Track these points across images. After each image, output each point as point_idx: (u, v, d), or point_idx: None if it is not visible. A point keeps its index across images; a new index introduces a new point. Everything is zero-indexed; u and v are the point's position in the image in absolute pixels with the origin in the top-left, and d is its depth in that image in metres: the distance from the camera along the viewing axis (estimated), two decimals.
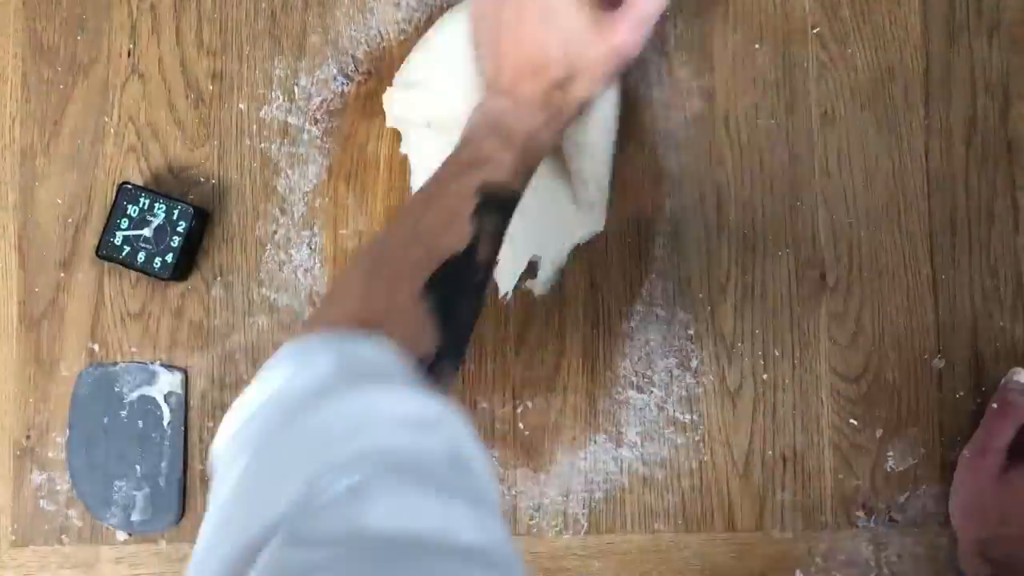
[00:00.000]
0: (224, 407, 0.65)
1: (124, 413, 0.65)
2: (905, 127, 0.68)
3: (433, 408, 0.42)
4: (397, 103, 0.65)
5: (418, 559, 0.35)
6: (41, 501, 0.65)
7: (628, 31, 0.57)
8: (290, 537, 0.36)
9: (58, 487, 0.65)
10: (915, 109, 0.68)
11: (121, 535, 0.65)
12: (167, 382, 0.65)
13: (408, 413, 0.41)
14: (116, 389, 0.65)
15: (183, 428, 0.65)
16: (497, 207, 0.55)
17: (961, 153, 0.68)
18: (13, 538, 0.65)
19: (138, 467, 0.65)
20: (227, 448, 0.43)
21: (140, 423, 0.65)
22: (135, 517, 0.65)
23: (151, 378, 0.66)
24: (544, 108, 0.58)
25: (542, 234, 0.65)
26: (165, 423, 0.65)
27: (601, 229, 0.66)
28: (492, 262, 0.55)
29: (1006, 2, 0.69)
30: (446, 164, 0.57)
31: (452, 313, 0.52)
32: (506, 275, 0.66)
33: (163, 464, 0.65)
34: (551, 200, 0.65)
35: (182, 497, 0.65)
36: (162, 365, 0.66)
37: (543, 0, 0.56)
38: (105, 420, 0.65)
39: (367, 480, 0.38)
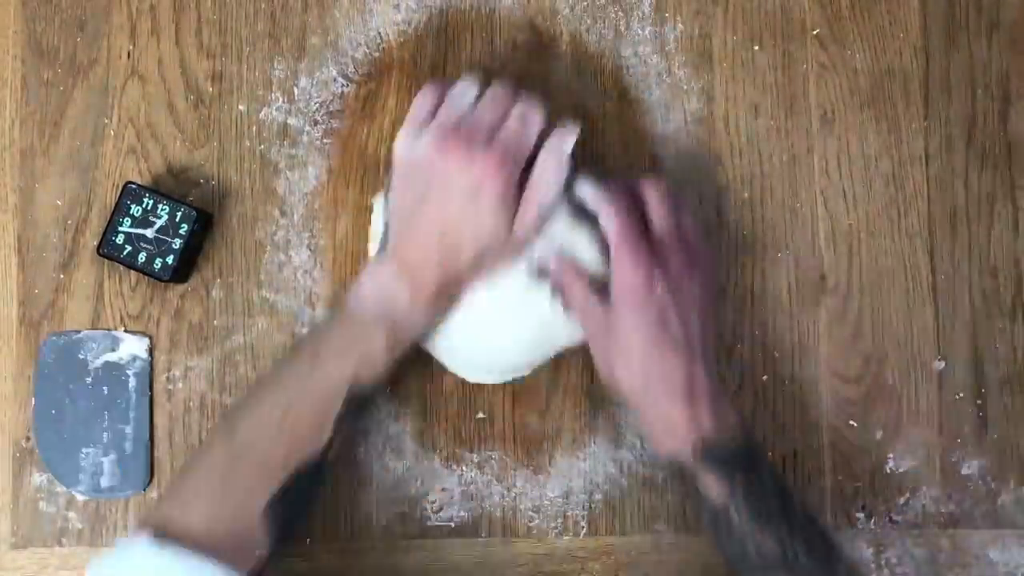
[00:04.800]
0: (223, 408, 0.66)
1: (89, 380, 0.65)
2: (905, 127, 0.68)
3: None
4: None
5: None
6: (41, 503, 0.65)
7: (529, 222, 0.58)
8: None
9: (58, 489, 0.65)
10: (915, 109, 0.68)
11: (81, 498, 0.65)
12: (132, 348, 0.66)
13: None
14: (80, 357, 0.66)
15: (149, 393, 0.65)
16: (358, 409, 0.58)
17: (961, 153, 0.68)
18: (13, 540, 0.65)
19: (105, 434, 0.65)
20: None
21: (105, 389, 0.65)
22: (104, 483, 0.65)
23: (115, 344, 0.66)
24: (437, 300, 0.59)
25: (527, 343, 0.62)
26: (131, 388, 0.65)
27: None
28: (339, 454, 0.58)
29: (1006, 2, 0.69)
30: (329, 332, 0.59)
31: (292, 521, 0.57)
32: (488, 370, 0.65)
33: (129, 429, 0.65)
34: (537, 310, 0.61)
35: (150, 461, 0.65)
36: (127, 331, 0.66)
37: (468, 190, 0.56)
38: (70, 388, 0.65)
39: None
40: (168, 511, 0.55)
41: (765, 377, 0.66)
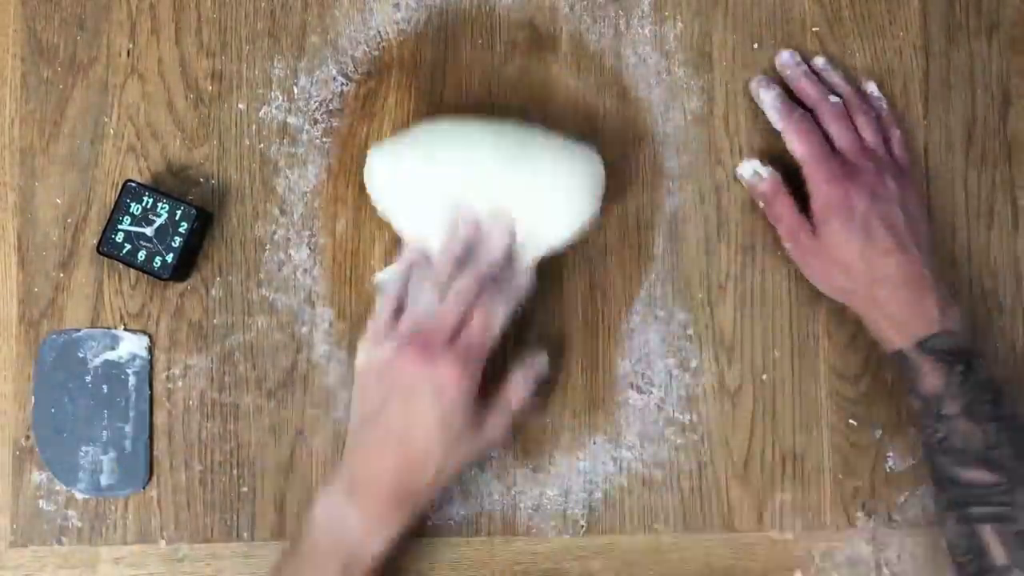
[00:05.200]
0: (223, 407, 0.66)
1: (89, 379, 0.65)
2: (905, 127, 0.68)
3: None
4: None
5: None
6: (40, 501, 0.65)
7: (500, 425, 0.57)
8: None
9: (58, 487, 0.65)
10: (915, 109, 0.68)
11: (81, 496, 0.65)
12: (131, 346, 0.66)
13: None
14: (80, 355, 0.66)
15: (149, 391, 0.66)
16: None
17: (961, 153, 0.68)
18: (12, 538, 0.65)
19: (104, 432, 0.65)
20: None
21: (105, 388, 0.65)
22: (103, 481, 0.65)
23: (115, 343, 0.66)
24: (394, 517, 0.55)
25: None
26: (130, 387, 0.65)
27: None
28: None
29: (1006, 2, 0.69)
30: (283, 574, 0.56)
31: None
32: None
33: (128, 428, 0.65)
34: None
35: (149, 459, 0.65)
36: (126, 329, 0.66)
37: (430, 393, 0.55)
38: (70, 386, 0.65)
39: None
40: None
41: (765, 376, 0.66)
